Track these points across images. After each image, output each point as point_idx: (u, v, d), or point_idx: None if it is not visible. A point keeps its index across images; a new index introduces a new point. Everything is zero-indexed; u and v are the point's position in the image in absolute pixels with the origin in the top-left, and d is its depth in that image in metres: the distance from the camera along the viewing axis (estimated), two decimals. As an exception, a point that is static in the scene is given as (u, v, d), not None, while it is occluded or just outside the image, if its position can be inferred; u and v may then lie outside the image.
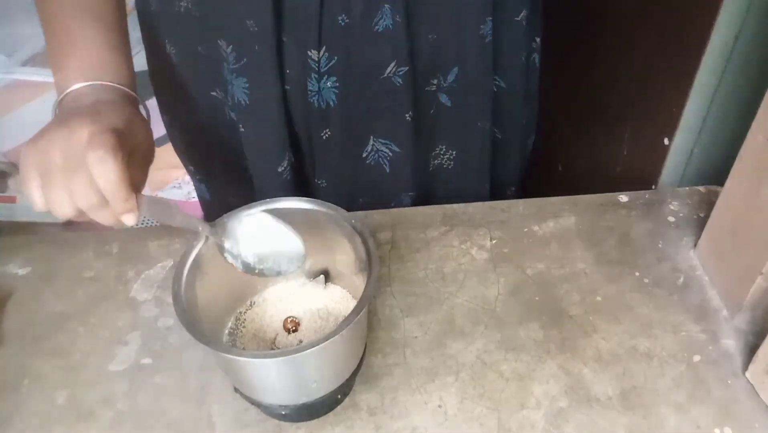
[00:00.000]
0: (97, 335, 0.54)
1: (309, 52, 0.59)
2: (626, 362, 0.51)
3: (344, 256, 0.50)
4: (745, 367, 0.50)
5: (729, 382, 0.49)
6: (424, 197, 0.73)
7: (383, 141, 0.67)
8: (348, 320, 0.42)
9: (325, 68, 0.60)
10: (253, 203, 0.50)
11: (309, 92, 0.62)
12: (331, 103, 0.62)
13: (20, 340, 0.54)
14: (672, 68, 0.65)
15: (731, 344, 0.52)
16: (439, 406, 0.48)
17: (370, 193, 0.71)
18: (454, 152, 0.71)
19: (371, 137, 0.66)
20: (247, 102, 0.62)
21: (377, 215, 0.64)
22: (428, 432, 0.47)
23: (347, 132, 0.65)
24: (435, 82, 0.64)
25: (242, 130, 0.65)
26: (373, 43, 0.59)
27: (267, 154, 0.65)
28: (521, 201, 0.66)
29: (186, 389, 0.50)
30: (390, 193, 0.71)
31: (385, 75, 0.61)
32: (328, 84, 0.61)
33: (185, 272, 0.45)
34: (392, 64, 0.60)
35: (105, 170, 0.43)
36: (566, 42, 0.96)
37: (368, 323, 0.54)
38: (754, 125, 0.49)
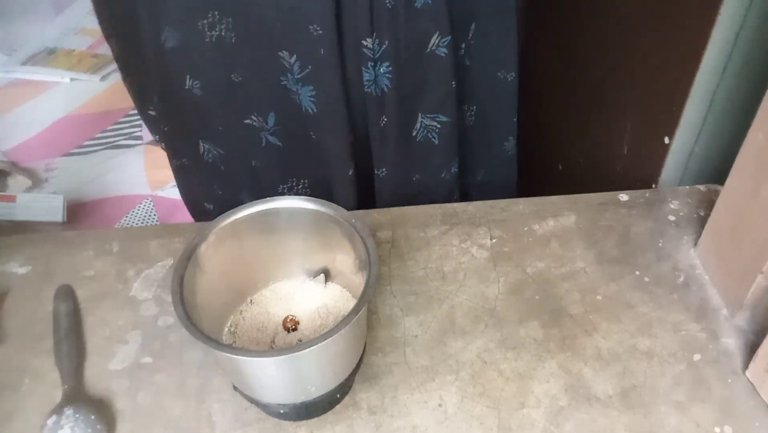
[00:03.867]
0: (97, 333, 0.54)
1: (364, 42, 0.59)
2: (626, 360, 0.51)
3: (344, 255, 0.50)
4: (746, 366, 0.50)
5: (729, 381, 0.49)
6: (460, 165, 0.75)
7: (431, 116, 0.68)
8: (347, 319, 0.42)
9: (378, 54, 0.60)
10: (253, 201, 0.50)
11: (366, 83, 0.62)
12: (386, 89, 0.63)
13: (20, 339, 0.54)
14: (672, 67, 0.65)
15: (731, 342, 0.52)
16: (439, 405, 0.48)
17: (421, 170, 0.72)
18: (474, 107, 0.72)
19: (419, 114, 0.67)
20: (315, 110, 0.63)
21: (377, 214, 0.64)
22: (428, 431, 0.47)
23: (400, 115, 0.66)
24: (464, 46, 0.65)
25: (313, 137, 0.65)
26: (416, 21, 0.60)
27: (338, 159, 0.66)
28: (521, 200, 0.65)
29: (186, 388, 0.50)
30: (439, 166, 0.72)
31: (429, 49, 0.62)
32: (382, 70, 0.61)
33: (185, 270, 0.45)
34: (435, 37, 0.61)
35: None
36: (567, 40, 0.96)
37: (368, 322, 0.54)
38: (755, 124, 0.49)
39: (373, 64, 0.61)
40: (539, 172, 1.11)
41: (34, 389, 0.50)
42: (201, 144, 0.70)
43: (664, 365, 0.50)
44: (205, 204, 0.78)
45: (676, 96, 0.64)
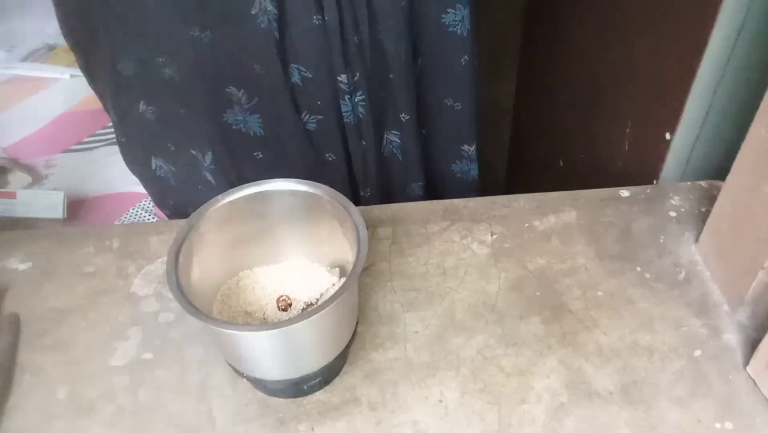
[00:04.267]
0: (97, 329, 0.54)
1: (339, 78, 0.63)
2: (627, 356, 0.51)
3: (342, 246, 0.50)
4: (746, 362, 0.50)
5: (730, 377, 0.49)
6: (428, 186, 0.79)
7: (394, 132, 0.72)
8: (335, 295, 0.42)
9: (352, 87, 0.64)
10: (251, 183, 0.50)
11: (344, 114, 0.67)
12: (361, 115, 0.67)
13: (21, 335, 0.54)
14: (674, 63, 0.65)
15: (732, 338, 0.52)
16: (440, 400, 0.48)
17: (393, 187, 0.77)
18: (424, 130, 0.76)
19: (384, 132, 0.72)
20: (263, 133, 0.67)
21: (378, 210, 0.64)
22: (429, 427, 0.47)
23: (375, 137, 0.70)
24: (413, 74, 0.69)
25: (260, 156, 0.69)
26: (380, 50, 0.64)
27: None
28: (522, 196, 0.65)
29: (186, 384, 0.50)
30: (404, 181, 0.77)
31: (390, 75, 0.66)
32: (356, 99, 0.65)
33: (180, 249, 0.46)
34: (399, 63, 0.65)
35: None
36: (568, 36, 0.95)
37: (369, 318, 0.54)
38: (756, 120, 0.49)
39: (349, 96, 0.65)
40: (540, 168, 1.11)
41: (35, 384, 0.50)
42: (153, 160, 0.73)
43: (664, 361, 0.50)
44: (161, 209, 0.83)
45: (678, 92, 0.64)
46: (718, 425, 0.46)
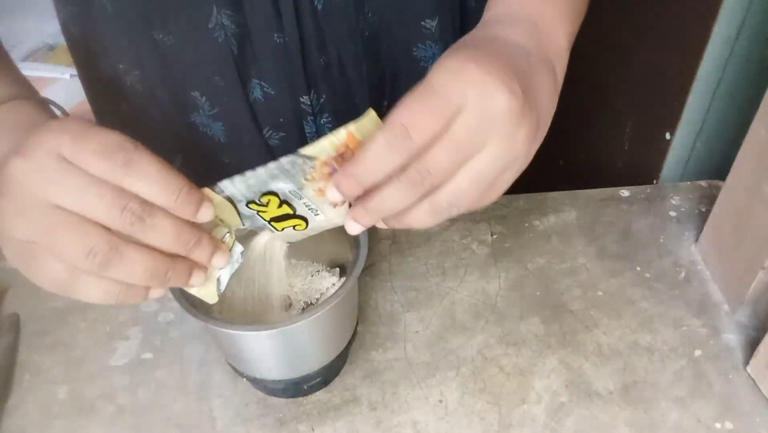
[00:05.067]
0: (97, 329, 0.54)
1: (301, 99, 0.62)
2: (627, 356, 0.51)
3: (343, 246, 0.50)
4: (746, 361, 0.50)
5: (730, 376, 0.49)
6: None
7: None
8: (335, 295, 0.42)
9: (317, 108, 0.63)
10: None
11: (307, 135, 0.65)
12: None
13: (21, 334, 0.54)
14: (674, 63, 0.65)
15: (732, 338, 0.52)
16: (440, 400, 0.48)
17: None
18: None
19: None
20: (227, 140, 0.66)
21: (378, 210, 0.64)
22: (429, 427, 0.47)
23: None
24: (386, 103, 0.69)
25: (227, 161, 0.68)
26: (347, 75, 0.62)
27: None
28: (522, 196, 0.65)
29: (187, 384, 0.50)
30: None
31: (359, 100, 0.64)
32: (322, 121, 0.64)
33: None
34: (363, 90, 0.63)
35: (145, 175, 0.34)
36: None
37: (369, 318, 0.54)
38: (756, 120, 0.49)
39: (313, 117, 0.64)
40: (540, 168, 1.11)
41: (35, 384, 0.50)
42: None
43: (665, 361, 0.50)
44: None
45: (678, 92, 0.64)
46: (718, 425, 0.46)
